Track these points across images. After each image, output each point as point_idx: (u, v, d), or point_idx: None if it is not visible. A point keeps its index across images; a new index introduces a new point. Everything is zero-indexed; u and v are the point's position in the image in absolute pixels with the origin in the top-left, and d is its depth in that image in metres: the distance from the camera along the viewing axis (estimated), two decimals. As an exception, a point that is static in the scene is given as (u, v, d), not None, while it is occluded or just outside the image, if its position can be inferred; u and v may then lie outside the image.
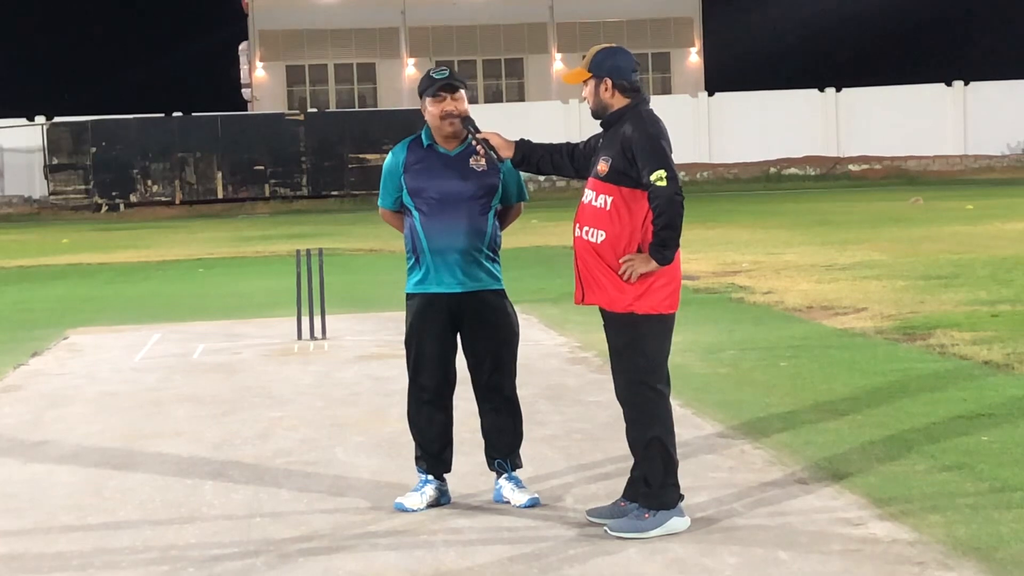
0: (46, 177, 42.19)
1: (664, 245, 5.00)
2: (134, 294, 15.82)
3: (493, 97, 54.40)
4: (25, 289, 16.72)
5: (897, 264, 15.52)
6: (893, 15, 70.85)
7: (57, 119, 43.61)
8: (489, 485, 5.73)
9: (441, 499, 5.61)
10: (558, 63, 53.70)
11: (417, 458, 5.68)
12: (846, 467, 5.98)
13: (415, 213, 5.56)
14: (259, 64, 53.65)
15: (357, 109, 50.68)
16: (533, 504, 5.51)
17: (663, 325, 5.14)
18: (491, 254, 5.60)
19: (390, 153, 5.71)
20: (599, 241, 5.10)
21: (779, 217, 26.74)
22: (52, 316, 13.47)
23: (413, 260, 5.61)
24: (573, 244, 5.25)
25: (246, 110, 53.10)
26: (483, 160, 5.52)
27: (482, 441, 5.71)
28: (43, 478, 6.36)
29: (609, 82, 5.18)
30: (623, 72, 5.18)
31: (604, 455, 6.37)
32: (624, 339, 5.14)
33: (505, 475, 5.63)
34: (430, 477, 5.63)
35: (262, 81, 53.69)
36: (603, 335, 5.27)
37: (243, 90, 55.25)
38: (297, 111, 45.31)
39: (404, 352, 5.66)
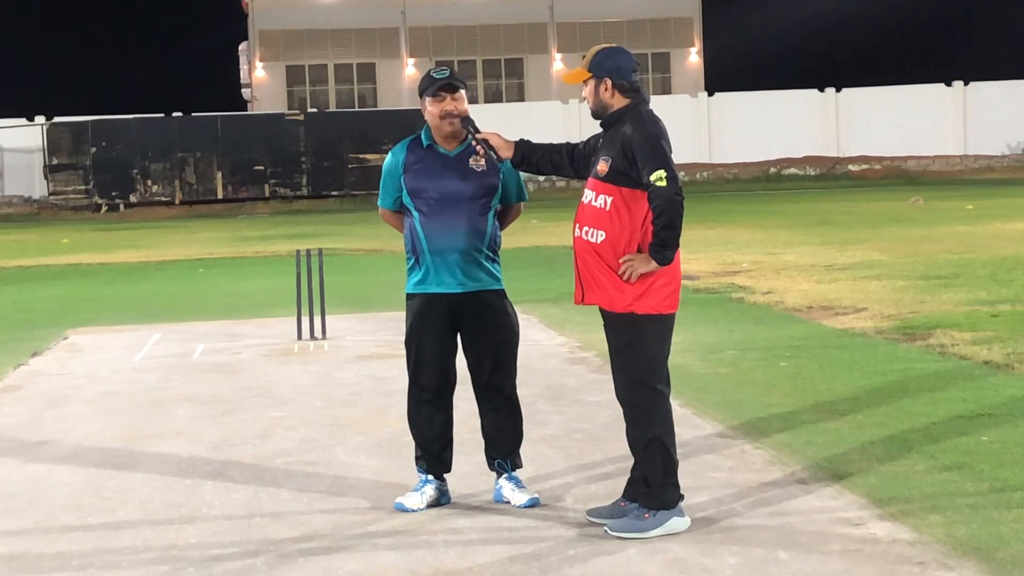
0: (46, 177, 42.20)
1: (664, 245, 5.00)
2: (134, 294, 15.82)
3: (493, 97, 54.41)
4: (25, 289, 16.72)
5: (897, 264, 15.52)
6: (893, 15, 70.91)
7: (57, 119, 43.61)
8: (489, 485, 5.73)
9: (441, 499, 5.61)
10: (558, 63, 53.70)
11: (417, 458, 5.68)
12: (846, 467, 5.98)
13: (415, 213, 5.56)
14: (259, 64, 53.66)
15: (357, 109, 50.68)
16: (533, 504, 5.51)
17: (663, 325, 5.15)
18: (491, 254, 5.60)
19: (390, 153, 5.70)
20: (599, 241, 5.10)
21: (779, 217, 26.74)
22: (52, 316, 13.47)
23: (413, 260, 5.61)
24: (573, 244, 5.25)
25: (246, 110, 53.11)
26: (483, 160, 5.52)
27: (482, 441, 5.71)
28: (43, 478, 6.36)
29: (609, 82, 5.18)
30: (623, 72, 5.18)
31: (604, 455, 6.37)
32: (624, 339, 5.14)
33: (505, 475, 5.63)
34: (430, 477, 5.63)
35: (262, 81, 53.69)
36: (603, 335, 5.27)
37: (243, 90, 55.26)
38: (297, 111, 45.32)
39: (404, 352, 5.66)
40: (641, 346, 5.10)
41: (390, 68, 54.20)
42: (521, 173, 5.64)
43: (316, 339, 10.91)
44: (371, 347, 10.41)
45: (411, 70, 53.27)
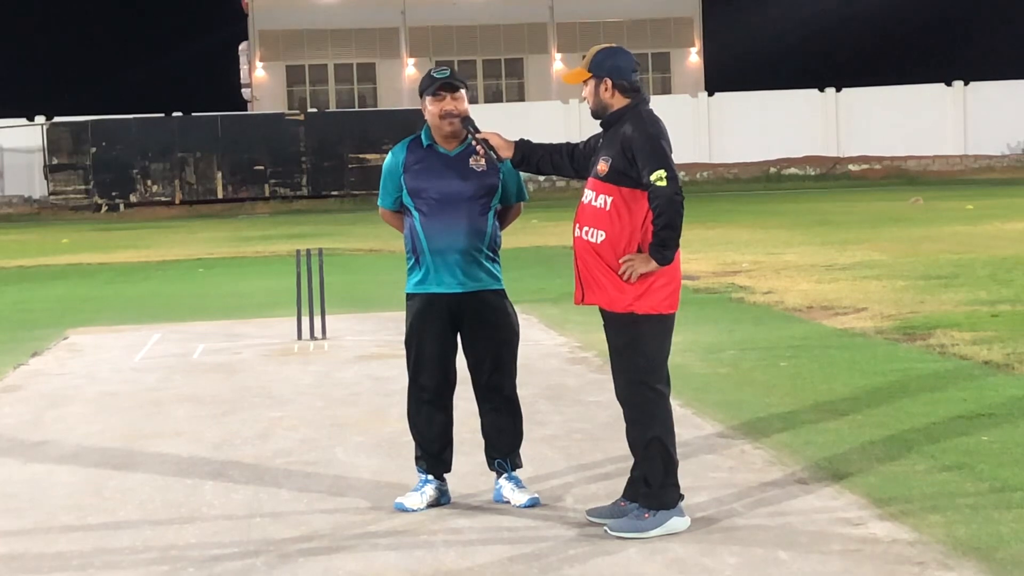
0: (46, 177, 42.19)
1: (664, 245, 5.00)
2: (134, 294, 15.82)
3: (493, 97, 54.41)
4: (25, 289, 16.72)
5: (897, 264, 15.52)
6: (893, 15, 70.90)
7: (57, 119, 43.62)
8: (489, 485, 5.73)
9: (441, 499, 5.61)
10: (558, 63, 53.70)
11: (417, 458, 5.68)
12: (846, 467, 5.98)
13: (415, 213, 5.56)
14: (259, 64, 53.66)
15: (357, 109, 50.68)
16: (533, 504, 5.51)
17: (663, 325, 5.15)
18: (491, 254, 5.60)
19: (390, 153, 5.70)
20: (599, 241, 5.10)
21: (779, 217, 26.74)
22: (52, 316, 13.47)
23: (413, 260, 5.61)
24: (573, 244, 5.25)
25: (246, 110, 53.11)
26: (483, 160, 5.52)
27: (482, 441, 5.71)
28: (43, 478, 6.36)
29: (609, 82, 5.18)
30: (623, 72, 5.18)
31: (604, 455, 6.37)
32: (624, 339, 5.14)
33: (505, 475, 5.63)
34: (430, 477, 5.63)
35: (262, 81, 53.69)
36: (603, 335, 5.27)
37: (243, 90, 55.26)
38: (297, 111, 45.33)
39: (404, 352, 5.66)
40: (641, 346, 5.10)
41: (390, 68, 54.21)
42: (521, 173, 5.64)
43: (316, 339, 10.91)
44: (371, 347, 10.41)
45: (411, 70, 53.27)
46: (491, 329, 5.56)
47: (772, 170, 46.80)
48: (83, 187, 41.76)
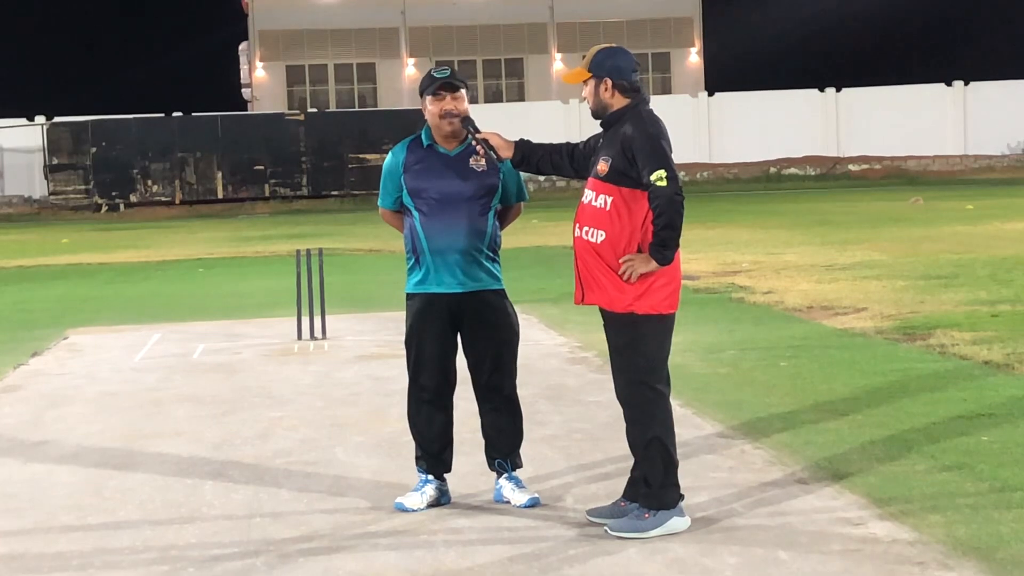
0: (46, 177, 42.19)
1: (664, 245, 5.00)
2: (134, 294, 15.82)
3: (493, 97, 54.41)
4: (25, 289, 16.72)
5: (897, 264, 15.52)
6: (893, 15, 70.88)
7: (57, 119, 43.60)
8: (489, 485, 5.73)
9: (441, 499, 5.61)
10: (558, 63, 53.70)
11: (417, 458, 5.68)
12: (846, 467, 5.98)
13: (415, 213, 5.56)
14: (259, 64, 53.66)
15: (357, 109, 50.68)
16: (533, 504, 5.51)
17: (663, 325, 5.15)
18: (491, 254, 5.61)
19: (390, 153, 5.71)
20: (599, 241, 5.10)
21: (779, 217, 26.74)
22: (52, 316, 13.47)
23: (413, 260, 5.61)
24: (573, 244, 5.25)
25: (246, 110, 53.11)
26: (483, 160, 5.53)
27: (482, 441, 5.71)
28: (43, 478, 6.36)
29: (609, 82, 5.18)
30: (623, 72, 5.18)
31: (604, 455, 6.37)
32: (624, 339, 5.14)
33: (505, 475, 5.63)
34: (430, 477, 5.63)
35: (262, 81, 53.69)
36: (603, 335, 5.27)
37: (243, 90, 55.25)
38: (297, 111, 45.31)
39: (404, 352, 5.66)
40: (641, 346, 5.10)
41: (390, 68, 54.20)
42: (521, 173, 5.64)
43: (316, 339, 10.91)
44: (371, 347, 10.41)
45: (411, 70, 53.26)
46: (491, 329, 5.56)
47: (772, 170, 46.79)
48: (83, 187, 41.75)
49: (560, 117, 45.79)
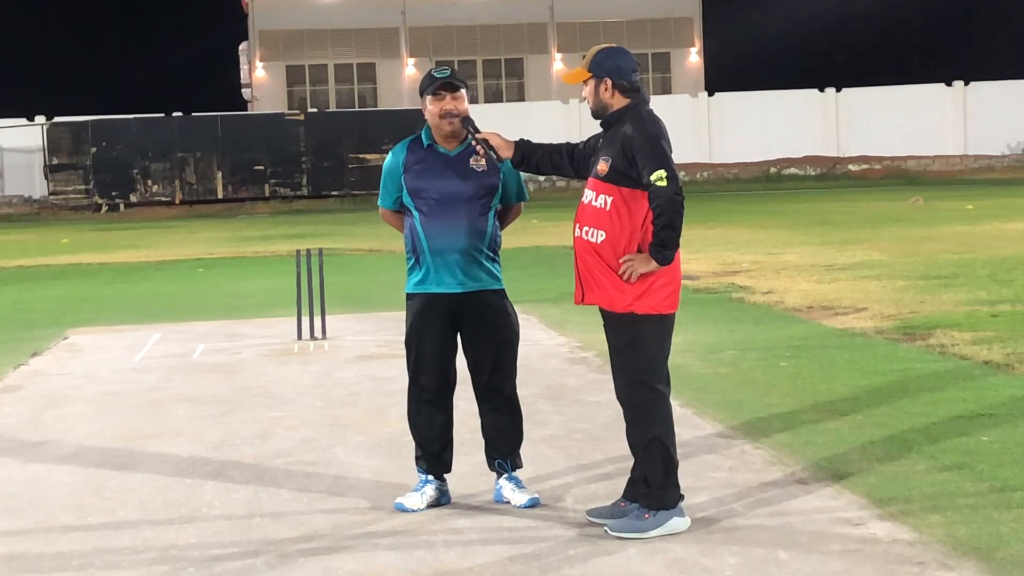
0: (46, 177, 42.18)
1: (664, 245, 5.00)
2: (134, 294, 15.82)
3: (493, 97, 54.40)
4: (25, 289, 16.72)
5: (897, 264, 15.52)
6: (893, 15, 70.89)
7: (57, 119, 43.60)
8: (489, 485, 5.73)
9: (441, 499, 5.61)
10: (558, 63, 53.69)
11: (417, 458, 5.68)
12: (846, 467, 5.98)
13: (415, 213, 5.56)
14: (259, 64, 53.65)
15: (357, 109, 50.68)
16: (533, 504, 5.51)
17: (663, 325, 5.15)
18: (491, 254, 5.61)
19: (390, 153, 5.71)
20: (599, 241, 5.10)
21: (779, 217, 26.74)
22: (52, 316, 13.47)
23: (413, 260, 5.61)
24: (573, 244, 5.25)
25: (246, 110, 53.10)
26: (483, 160, 5.53)
27: (482, 441, 5.71)
28: (43, 478, 6.36)
29: (609, 82, 5.18)
30: (623, 72, 5.18)
31: (604, 455, 6.37)
32: (624, 339, 5.14)
33: (505, 475, 5.63)
34: (430, 477, 5.63)
35: (262, 81, 53.69)
36: (603, 335, 5.27)
37: (243, 90, 55.25)
38: (297, 111, 45.31)
39: (404, 352, 5.66)
40: (641, 346, 5.10)
41: (390, 68, 54.20)
42: (521, 173, 5.65)
43: (316, 339, 10.91)
44: (371, 347, 10.41)
45: (411, 70, 53.26)
46: (491, 329, 5.57)
47: (772, 170, 46.79)
48: (83, 187, 41.75)
49: (560, 117, 45.80)
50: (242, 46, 54.88)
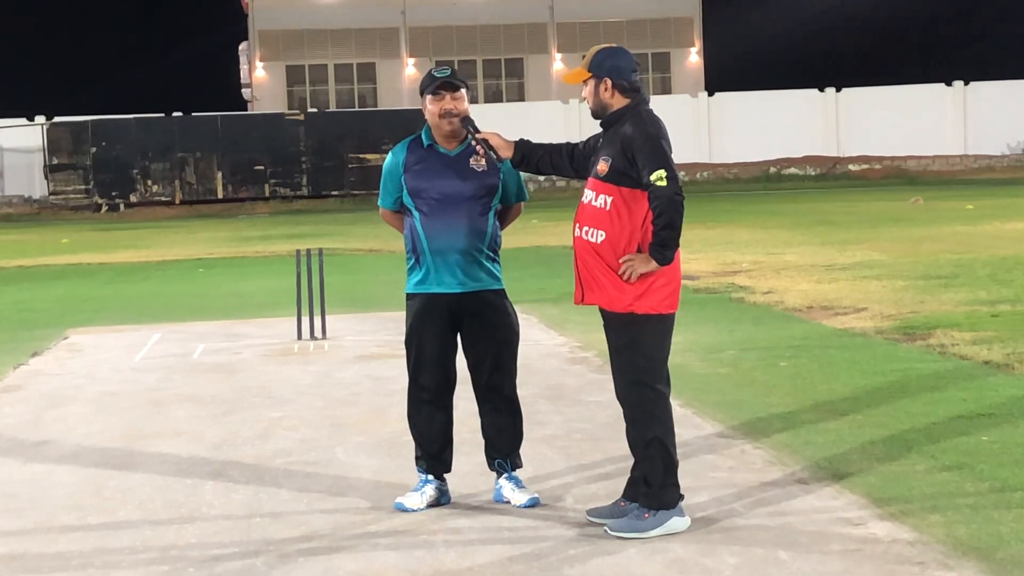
0: (46, 177, 42.19)
1: (664, 245, 5.00)
2: (134, 294, 15.82)
3: (493, 97, 54.41)
4: (25, 289, 16.72)
5: (897, 264, 15.52)
6: (893, 15, 70.90)
7: (57, 119, 43.61)
8: (489, 485, 5.73)
9: (441, 499, 5.61)
10: (558, 63, 53.70)
11: (417, 458, 5.68)
12: (846, 467, 5.98)
13: (415, 213, 5.56)
14: (259, 64, 53.66)
15: (357, 109, 50.68)
16: (533, 504, 5.51)
17: (663, 325, 5.15)
18: (491, 254, 5.61)
19: (390, 153, 5.71)
20: (599, 241, 5.10)
21: (779, 217, 26.74)
22: (52, 316, 13.47)
23: (413, 260, 5.61)
24: (573, 244, 5.25)
25: (246, 110, 53.11)
26: (483, 160, 5.53)
27: (482, 441, 5.71)
28: (43, 478, 6.36)
29: (609, 82, 5.18)
30: (623, 72, 5.18)
31: (604, 455, 6.37)
32: (624, 339, 5.14)
33: (505, 475, 5.63)
34: (430, 477, 5.63)
35: (262, 81, 53.69)
36: (603, 335, 5.27)
37: (243, 90, 55.26)
38: (297, 111, 45.32)
39: (404, 352, 5.66)
40: (641, 346, 5.10)
41: (390, 68, 54.21)
42: (521, 173, 5.65)
43: (316, 339, 10.91)
44: (371, 347, 10.41)
45: (411, 70, 53.27)
46: (491, 329, 5.57)
47: (772, 170, 46.80)
48: (83, 187, 41.76)
49: (560, 117, 45.80)
50: (242, 46, 54.89)
